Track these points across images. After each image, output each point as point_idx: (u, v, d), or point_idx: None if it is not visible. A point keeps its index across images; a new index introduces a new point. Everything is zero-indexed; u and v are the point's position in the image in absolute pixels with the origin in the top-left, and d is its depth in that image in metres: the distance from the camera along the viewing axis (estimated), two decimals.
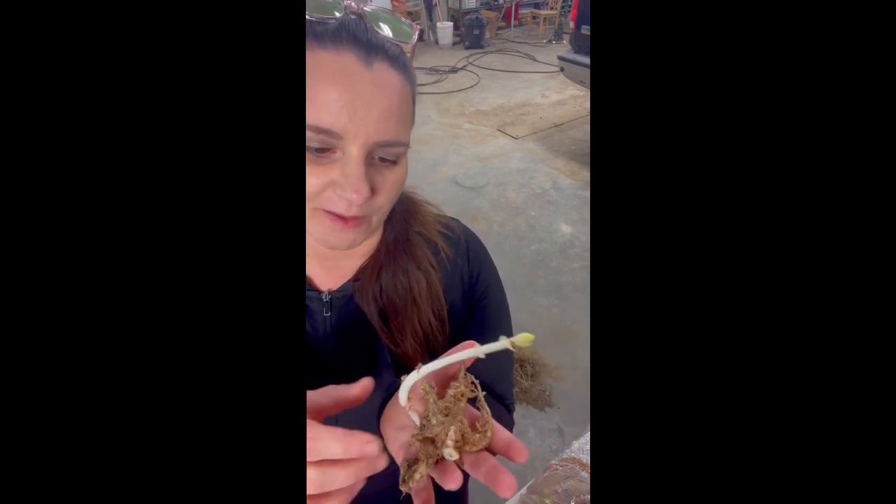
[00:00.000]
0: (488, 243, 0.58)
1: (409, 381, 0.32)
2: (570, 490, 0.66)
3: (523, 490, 0.69)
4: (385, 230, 0.51)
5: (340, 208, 0.38)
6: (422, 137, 3.97)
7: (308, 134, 0.36)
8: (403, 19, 0.41)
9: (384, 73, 0.37)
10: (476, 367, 0.55)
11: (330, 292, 0.50)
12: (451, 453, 0.31)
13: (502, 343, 0.31)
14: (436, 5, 6.80)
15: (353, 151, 0.36)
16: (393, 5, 5.69)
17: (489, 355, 0.55)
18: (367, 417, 0.49)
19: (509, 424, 0.59)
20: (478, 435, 0.31)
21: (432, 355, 0.44)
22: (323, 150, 0.37)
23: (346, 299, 0.50)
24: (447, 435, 0.31)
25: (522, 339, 0.30)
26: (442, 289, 0.52)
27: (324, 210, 0.39)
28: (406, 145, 0.40)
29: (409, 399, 0.32)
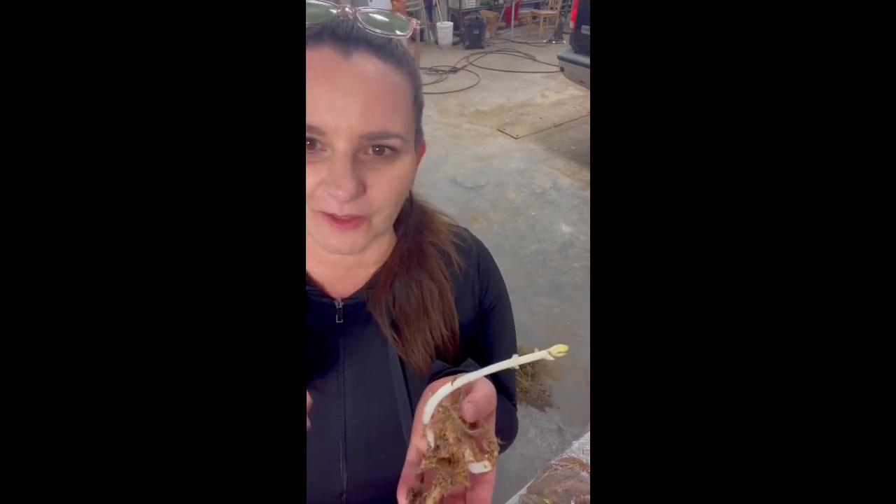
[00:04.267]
0: (488, 243, 0.59)
1: (441, 393, 0.29)
2: (570, 490, 0.66)
3: (523, 490, 0.69)
4: (399, 240, 0.52)
5: (333, 208, 0.38)
6: None
7: None
8: (399, 15, 0.40)
9: (365, 63, 0.36)
10: (483, 361, 0.56)
11: (343, 300, 0.50)
12: (486, 465, 0.29)
13: (541, 353, 0.30)
14: (436, 5, 6.80)
15: (339, 146, 0.36)
16: (393, 5, 5.69)
17: (498, 354, 0.56)
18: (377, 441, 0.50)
19: (515, 421, 0.60)
20: (487, 455, 0.29)
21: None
22: (312, 149, 0.36)
23: (358, 307, 0.50)
24: (464, 454, 0.28)
25: (558, 349, 0.30)
26: (454, 299, 0.52)
27: (321, 212, 0.39)
28: (400, 136, 0.39)
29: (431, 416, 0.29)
